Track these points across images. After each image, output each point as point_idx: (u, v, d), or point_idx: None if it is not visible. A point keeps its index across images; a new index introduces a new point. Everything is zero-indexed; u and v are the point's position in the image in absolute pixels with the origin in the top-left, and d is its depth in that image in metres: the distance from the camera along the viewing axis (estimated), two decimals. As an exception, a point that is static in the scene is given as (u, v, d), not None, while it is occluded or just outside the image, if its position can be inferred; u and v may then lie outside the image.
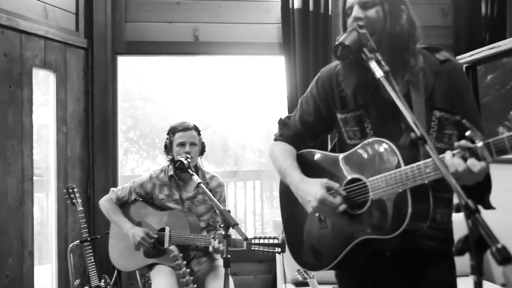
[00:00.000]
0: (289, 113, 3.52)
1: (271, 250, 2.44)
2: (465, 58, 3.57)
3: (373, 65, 1.33)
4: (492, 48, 3.32)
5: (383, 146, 1.44)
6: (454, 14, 3.80)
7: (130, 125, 6.64)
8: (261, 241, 2.49)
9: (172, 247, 1.52)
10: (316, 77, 1.73)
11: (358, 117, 1.59)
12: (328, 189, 1.51)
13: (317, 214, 1.61)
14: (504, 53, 3.26)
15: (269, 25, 3.75)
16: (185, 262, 1.84)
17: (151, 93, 6.75)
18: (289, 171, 1.64)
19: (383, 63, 1.33)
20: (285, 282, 3.33)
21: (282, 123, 1.81)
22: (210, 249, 2.59)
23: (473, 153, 1.24)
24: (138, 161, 6.87)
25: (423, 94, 1.52)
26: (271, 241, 2.46)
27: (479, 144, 1.22)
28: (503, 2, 3.69)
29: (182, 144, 2.81)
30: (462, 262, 3.42)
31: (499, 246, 0.91)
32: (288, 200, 1.70)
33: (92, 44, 3.58)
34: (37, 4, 3.22)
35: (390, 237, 1.39)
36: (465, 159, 1.24)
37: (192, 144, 2.82)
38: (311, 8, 3.58)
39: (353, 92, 1.58)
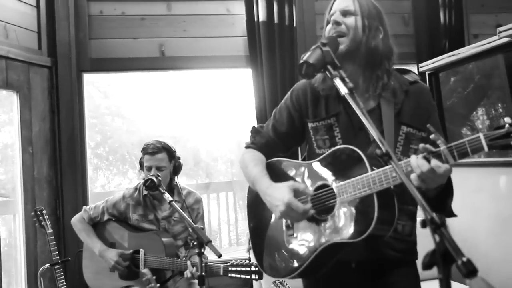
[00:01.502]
0: (257, 123, 3.58)
1: (248, 277, 2.43)
2: (427, 65, 3.68)
3: (338, 82, 1.36)
4: (452, 55, 3.44)
5: (351, 153, 1.49)
6: (415, 22, 3.91)
7: (99, 141, 6.53)
8: (238, 268, 2.47)
9: (145, 270, 1.51)
10: (291, 89, 1.79)
11: (329, 125, 1.64)
12: (295, 191, 1.54)
13: (284, 221, 1.63)
14: (464, 59, 3.38)
15: (235, 38, 3.77)
16: (158, 285, 1.82)
17: (119, 108, 6.67)
18: (258, 178, 1.66)
19: (347, 80, 1.37)
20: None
21: (254, 131, 1.84)
22: (188, 275, 2.54)
23: (437, 156, 1.29)
24: (109, 177, 6.76)
25: (393, 109, 1.59)
26: (248, 268, 2.45)
27: (443, 147, 1.28)
28: (459, 10, 3.83)
29: (148, 168, 2.76)
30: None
31: (464, 259, 0.94)
32: (256, 208, 1.73)
33: (56, 62, 3.51)
34: (-3, 23, 3.15)
35: (356, 241, 1.42)
36: (429, 161, 1.30)
37: (159, 168, 2.74)
38: (276, 20, 3.62)
39: (325, 102, 1.65)
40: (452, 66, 3.56)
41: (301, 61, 1.42)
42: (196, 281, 2.84)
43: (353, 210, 1.45)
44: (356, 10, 1.57)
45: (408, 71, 1.72)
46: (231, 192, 5.91)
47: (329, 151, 1.57)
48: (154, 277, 1.57)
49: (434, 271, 0.99)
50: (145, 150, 2.78)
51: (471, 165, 3.44)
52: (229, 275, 2.47)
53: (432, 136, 1.28)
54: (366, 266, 1.60)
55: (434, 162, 1.28)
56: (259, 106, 3.65)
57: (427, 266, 1.00)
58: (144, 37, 3.69)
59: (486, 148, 1.20)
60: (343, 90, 1.33)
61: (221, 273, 2.49)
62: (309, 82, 1.73)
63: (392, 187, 1.40)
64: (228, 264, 2.49)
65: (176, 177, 2.88)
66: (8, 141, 3.53)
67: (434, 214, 1.03)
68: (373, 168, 1.42)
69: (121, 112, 6.73)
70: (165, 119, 6.25)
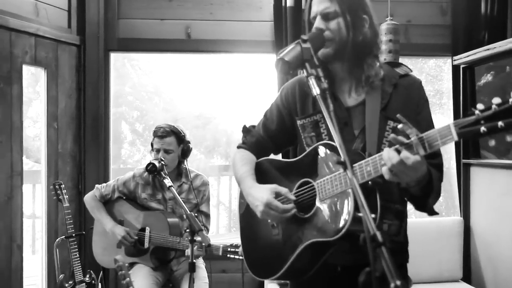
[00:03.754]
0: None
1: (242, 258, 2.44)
2: (461, 58, 3.48)
3: (312, 81, 1.31)
4: (489, 49, 3.22)
5: (331, 148, 1.46)
6: (453, 12, 3.69)
7: (136, 117, 6.69)
8: (237, 250, 2.51)
9: (118, 257, 1.53)
10: (281, 87, 1.77)
11: (315, 122, 1.61)
12: (277, 194, 1.52)
13: (269, 221, 1.62)
14: (503, 53, 3.16)
15: (261, 22, 3.71)
16: (130, 272, 1.84)
17: (156, 86, 6.79)
18: (243, 178, 1.66)
19: (323, 79, 1.31)
20: (271, 281, 3.36)
21: (245, 130, 1.83)
22: (187, 253, 2.60)
23: (408, 147, 1.23)
24: (144, 153, 6.94)
25: (379, 104, 1.54)
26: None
27: (413, 138, 1.22)
28: (504, 1, 3.56)
29: (157, 151, 2.83)
30: (419, 271, 3.34)
31: (398, 283, 0.89)
32: (245, 209, 1.71)
33: (84, 41, 3.60)
34: (28, 2, 3.26)
35: (333, 240, 1.38)
36: (399, 153, 1.24)
37: (167, 151, 2.82)
38: (303, 5, 3.53)
39: (313, 98, 1.59)
40: (489, 60, 3.34)
41: (278, 58, 1.38)
42: (199, 265, 2.90)
43: (332, 208, 1.42)
44: (337, 10, 1.50)
45: (399, 64, 1.66)
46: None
47: (311, 147, 1.55)
48: (126, 265, 1.60)
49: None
50: (155, 133, 2.86)
51: (499, 167, 3.26)
52: (228, 255, 2.53)
53: (400, 126, 1.22)
54: (352, 271, 1.55)
55: (404, 153, 1.22)
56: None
57: (363, 284, 0.95)
58: (171, 19, 3.71)
59: (456, 137, 1.12)
60: (315, 91, 1.28)
61: (220, 253, 2.56)
62: (298, 78, 1.70)
63: (370, 183, 1.34)
64: (228, 244, 2.56)
65: (185, 160, 2.92)
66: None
67: (377, 232, 0.97)
68: (352, 164, 1.36)
69: (158, 90, 6.86)
70: (199, 99, 6.31)
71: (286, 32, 3.55)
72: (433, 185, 1.41)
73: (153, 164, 2.39)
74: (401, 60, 3.26)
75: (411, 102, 1.56)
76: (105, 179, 3.68)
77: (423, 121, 1.54)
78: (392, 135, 1.26)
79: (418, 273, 3.19)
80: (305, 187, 1.53)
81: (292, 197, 1.52)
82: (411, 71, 1.63)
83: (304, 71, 1.35)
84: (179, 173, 2.95)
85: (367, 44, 1.53)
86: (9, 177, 3.13)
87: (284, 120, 1.71)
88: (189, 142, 2.93)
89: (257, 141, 1.77)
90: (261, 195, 1.52)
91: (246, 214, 1.74)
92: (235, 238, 2.66)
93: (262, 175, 1.67)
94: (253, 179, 1.64)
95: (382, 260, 0.93)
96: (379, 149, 1.46)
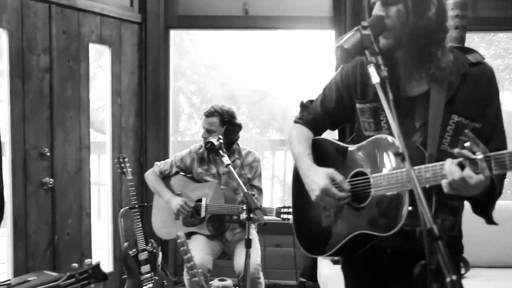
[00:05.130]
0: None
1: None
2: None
3: (371, 69, 1.29)
4: None
5: (392, 144, 1.43)
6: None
7: (193, 91, 6.84)
8: (290, 210, 2.62)
9: (180, 233, 1.63)
10: (341, 66, 1.70)
11: (375, 109, 1.57)
12: (333, 180, 1.52)
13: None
14: None
15: (320, -2, 3.65)
16: (191, 248, 1.94)
17: (214, 61, 6.87)
18: (301, 157, 1.67)
19: (382, 67, 1.28)
20: (324, 258, 3.41)
21: (303, 106, 1.81)
22: (244, 216, 2.70)
23: (473, 164, 1.18)
24: (201, 126, 7.10)
25: (445, 96, 1.46)
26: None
27: (479, 156, 1.16)
28: None
29: (203, 128, 2.97)
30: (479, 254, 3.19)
31: (453, 278, 0.90)
32: (299, 183, 1.72)
33: (145, 19, 3.71)
34: (93, -19, 3.39)
35: (385, 235, 1.40)
36: (462, 168, 1.20)
37: (209, 131, 2.95)
38: (364, -20, 3.43)
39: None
40: None
41: (336, 45, 1.36)
42: (252, 236, 3.00)
43: (385, 204, 1.42)
44: None
45: (471, 51, 1.53)
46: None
47: (371, 138, 1.52)
48: (187, 241, 1.69)
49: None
50: (204, 112, 2.96)
51: None
52: (281, 216, 2.67)
53: (467, 145, 1.16)
54: (402, 254, 1.56)
55: (467, 171, 1.17)
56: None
57: (417, 276, 0.97)
58: (229, -4, 3.73)
59: None
60: (375, 79, 1.27)
61: (274, 215, 2.69)
62: (361, 59, 1.57)
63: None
64: (281, 206, 2.71)
65: (236, 141, 3.02)
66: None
67: (434, 226, 0.98)
68: (412, 160, 1.34)
69: (215, 64, 6.94)
70: (256, 74, 6.33)
71: (345, 8, 3.49)
72: (495, 195, 1.35)
73: (212, 142, 2.46)
74: (468, 36, 3.10)
75: (480, 94, 1.45)
76: (165, 152, 3.84)
77: (492, 115, 1.45)
78: (457, 150, 1.20)
79: (477, 257, 3.12)
80: (360, 178, 1.52)
81: (347, 187, 1.52)
82: (484, 59, 1.51)
83: (364, 58, 1.34)
84: (231, 151, 3.04)
85: (431, 31, 1.42)
86: (78, 150, 3.34)
87: (343, 99, 1.67)
88: (236, 125, 3.00)
89: (314, 118, 1.76)
90: (319, 179, 1.53)
91: (299, 191, 1.75)
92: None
93: (319, 154, 1.68)
94: (311, 159, 1.64)
95: (438, 254, 0.94)
96: (440, 145, 1.42)
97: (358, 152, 1.57)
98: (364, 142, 1.55)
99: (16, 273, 2.95)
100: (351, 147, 1.61)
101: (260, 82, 6.50)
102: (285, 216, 2.66)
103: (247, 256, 2.16)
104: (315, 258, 3.66)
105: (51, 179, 3.13)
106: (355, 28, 1.39)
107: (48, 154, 3.12)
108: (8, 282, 2.63)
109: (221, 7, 3.73)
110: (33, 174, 3.07)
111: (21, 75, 2.97)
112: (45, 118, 3.12)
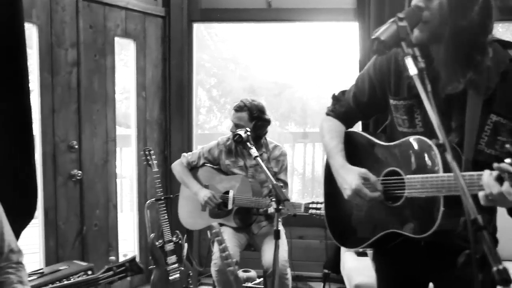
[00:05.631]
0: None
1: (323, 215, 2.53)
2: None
3: (408, 61, 1.29)
4: None
5: (429, 147, 1.41)
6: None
7: (213, 84, 6.87)
8: (318, 206, 2.62)
9: (214, 224, 1.65)
10: (374, 57, 1.67)
11: (409, 106, 1.54)
12: (365, 179, 1.53)
13: None
14: None
15: (344, -11, 3.64)
16: (226, 238, 1.98)
17: (233, 54, 6.89)
18: (333, 153, 1.67)
19: (419, 59, 1.28)
20: (347, 250, 3.42)
21: (335, 98, 1.80)
22: (271, 210, 2.72)
23: None
24: (220, 119, 7.15)
25: (482, 95, 1.41)
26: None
27: None
28: None
29: (232, 122, 3.01)
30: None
31: (500, 267, 0.91)
32: (331, 178, 1.71)
33: (169, 12, 3.74)
34: (118, -24, 3.42)
35: (418, 238, 1.42)
36: (501, 182, 1.15)
37: (237, 125, 2.94)
38: (388, -29, 3.40)
39: (409, 79, 1.51)
40: None
41: (373, 37, 1.36)
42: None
43: (419, 206, 1.43)
44: None
45: None
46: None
47: (408, 138, 1.49)
48: (222, 231, 1.71)
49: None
50: (233, 106, 3.00)
51: None
52: (310, 211, 2.65)
53: (508, 161, 1.11)
54: (434, 246, 1.56)
55: (506, 187, 1.13)
56: (363, 61, 3.55)
57: (462, 264, 0.98)
58: (251, -12, 3.74)
59: None
60: (412, 71, 1.26)
61: (302, 210, 2.67)
62: (395, 53, 1.56)
63: None
64: (309, 202, 2.68)
65: (264, 136, 3.03)
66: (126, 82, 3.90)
67: (478, 216, 0.99)
68: (446, 165, 1.32)
69: (235, 57, 6.95)
70: (275, 67, 6.33)
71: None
72: None
73: (239, 135, 2.47)
74: (496, 26, 3.05)
75: None
76: (189, 145, 3.88)
77: None
78: (496, 165, 1.15)
79: (508, 250, 3.07)
80: (393, 178, 1.51)
81: (380, 188, 1.53)
82: None
83: (400, 50, 1.33)
84: (259, 145, 3.06)
85: (472, 30, 1.36)
86: (105, 143, 3.40)
87: (376, 92, 1.65)
88: (265, 120, 3.01)
89: (346, 111, 1.74)
90: (351, 179, 1.53)
91: (331, 185, 1.75)
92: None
93: (351, 148, 1.68)
94: (343, 156, 1.64)
95: (484, 244, 0.95)
96: (477, 145, 1.40)
97: (393, 150, 1.55)
98: (400, 141, 1.52)
99: (48, 262, 3.03)
100: (386, 144, 1.59)
101: (280, 74, 6.50)
102: (313, 211, 2.65)
103: (276, 247, 2.18)
104: (338, 250, 3.68)
105: (80, 171, 3.20)
106: (391, 20, 1.39)
107: (76, 146, 3.18)
108: (41, 270, 2.72)
109: (244, 0, 3.74)
110: (62, 167, 3.14)
111: (50, 69, 3.03)
112: (73, 111, 3.18)
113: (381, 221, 1.56)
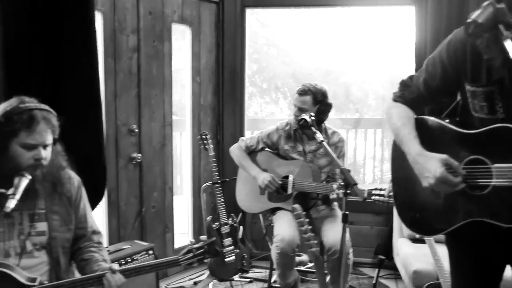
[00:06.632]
0: (416, 63, 3.44)
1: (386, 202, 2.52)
2: None
3: (508, 44, 1.28)
4: None
5: None
6: None
7: (255, 70, 6.88)
8: (381, 192, 2.59)
9: (297, 206, 1.69)
10: (447, 39, 1.61)
11: (489, 92, 1.49)
12: (447, 166, 1.49)
13: None
14: None
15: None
16: (304, 212, 2.01)
17: (276, 39, 6.87)
18: (407, 140, 1.62)
19: (519, 41, 1.27)
20: (401, 236, 3.42)
21: (403, 84, 1.75)
22: (333, 195, 2.72)
23: None
24: (262, 105, 7.17)
25: None
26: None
27: None
28: None
29: (295, 106, 3.00)
30: None
31: None
32: (402, 161, 1.68)
33: (223, -3, 3.77)
34: (175, -38, 3.46)
35: (507, 226, 1.40)
36: None
37: (301, 109, 2.92)
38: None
39: (488, 64, 1.48)
40: None
41: (469, 20, 1.34)
42: (336, 213, 3.04)
43: (508, 196, 1.41)
44: None
45: None
46: (380, 129, 5.87)
47: (492, 127, 1.46)
48: (304, 213, 1.75)
49: None
50: (297, 90, 2.98)
51: None
52: (372, 198, 2.60)
53: None
54: None
55: None
56: (420, 45, 3.49)
57: None
58: (305, -27, 3.71)
59: None
60: (512, 54, 1.25)
61: (365, 195, 2.62)
62: (468, 37, 1.48)
63: None
64: (372, 188, 2.63)
65: (324, 121, 3.03)
66: (178, 67, 3.94)
67: None
68: None
69: (277, 43, 6.94)
70: (319, 52, 6.28)
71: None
72: None
73: (305, 119, 2.49)
74: None
75: None
76: (241, 130, 3.92)
77: None
78: None
79: None
80: (478, 166, 1.49)
81: (463, 172, 1.50)
82: None
83: (498, 33, 1.31)
84: (320, 130, 3.05)
85: None
86: (162, 127, 3.48)
87: (449, 77, 1.59)
88: (328, 105, 3.00)
89: (417, 97, 1.70)
90: (434, 167, 1.49)
91: (402, 168, 1.71)
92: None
93: (423, 136, 1.63)
94: (418, 142, 1.59)
95: None
96: None
97: (476, 139, 1.51)
98: (484, 129, 1.49)
99: (111, 241, 3.15)
100: (466, 132, 1.55)
101: (323, 60, 6.46)
102: (376, 198, 2.63)
103: (344, 231, 2.20)
104: (390, 236, 3.67)
105: (139, 154, 3.29)
106: (487, 2, 1.37)
107: (136, 130, 3.27)
108: (107, 249, 2.83)
109: (298, -16, 3.73)
110: (123, 150, 3.24)
111: (113, 55, 3.11)
112: (133, 96, 3.26)
113: (463, 209, 1.53)
